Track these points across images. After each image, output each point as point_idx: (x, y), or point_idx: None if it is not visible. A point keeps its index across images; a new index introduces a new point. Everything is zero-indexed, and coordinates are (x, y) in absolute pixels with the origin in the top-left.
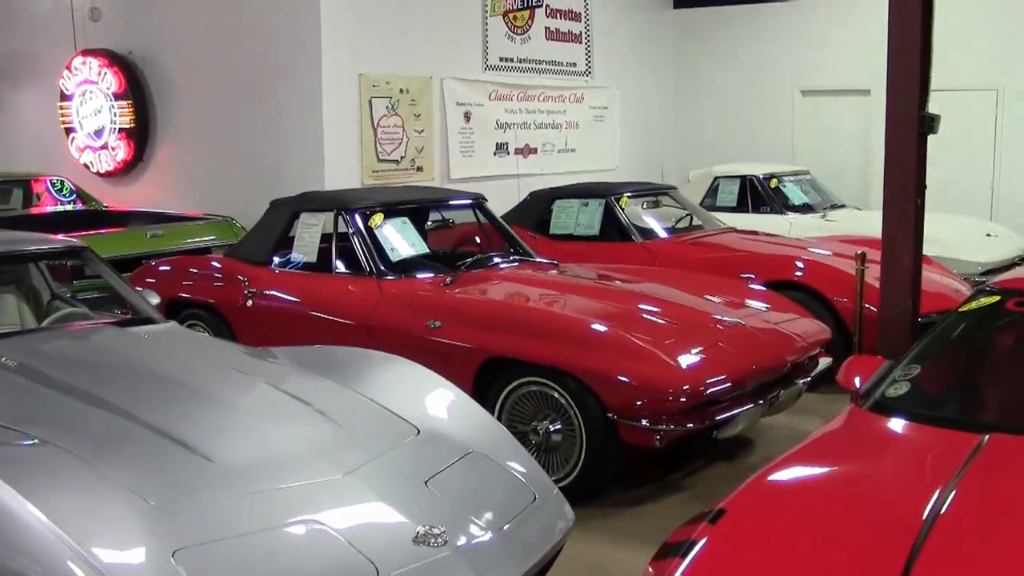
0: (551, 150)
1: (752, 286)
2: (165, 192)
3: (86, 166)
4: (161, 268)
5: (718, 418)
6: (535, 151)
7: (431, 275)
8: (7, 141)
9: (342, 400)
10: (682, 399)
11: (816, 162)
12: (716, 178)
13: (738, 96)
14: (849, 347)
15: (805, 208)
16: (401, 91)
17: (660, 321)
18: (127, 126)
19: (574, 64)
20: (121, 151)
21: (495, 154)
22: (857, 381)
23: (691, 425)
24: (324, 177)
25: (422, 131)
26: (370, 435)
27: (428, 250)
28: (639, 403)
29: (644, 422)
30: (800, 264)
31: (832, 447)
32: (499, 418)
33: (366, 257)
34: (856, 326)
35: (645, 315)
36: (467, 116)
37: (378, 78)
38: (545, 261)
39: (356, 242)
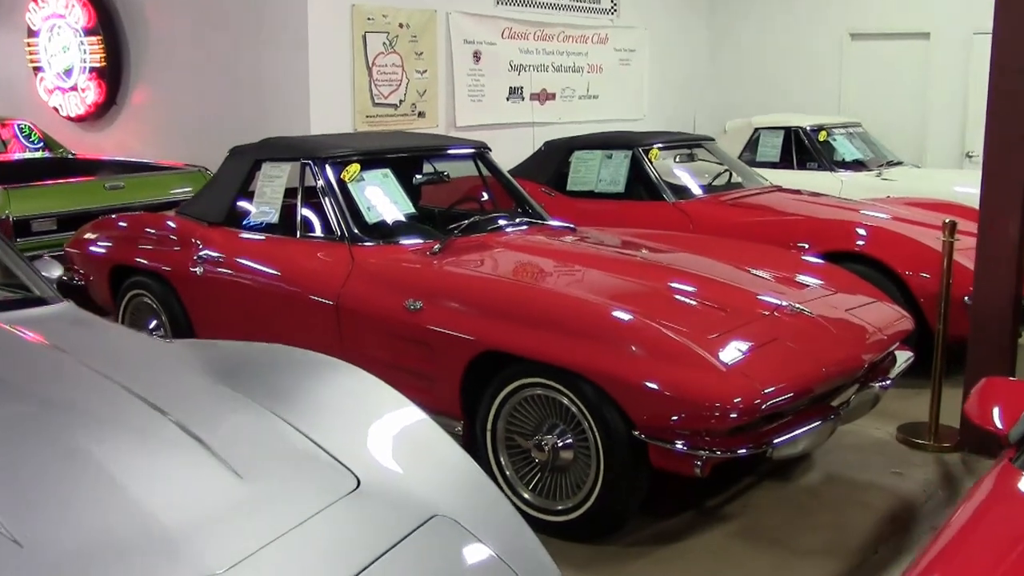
0: (571, 96)
1: (807, 258)
2: (141, 139)
3: (55, 109)
4: (119, 224)
5: (776, 441)
6: (553, 97)
7: (417, 241)
8: None
9: (255, 434)
10: (732, 415)
11: (866, 115)
12: (756, 130)
13: (780, 39)
14: (927, 336)
15: (857, 165)
16: (401, 26)
17: (701, 306)
18: (97, 65)
19: (598, 1)
20: (92, 93)
21: (508, 99)
22: (998, 417)
23: (742, 450)
24: (310, 123)
25: (424, 72)
26: (285, 490)
27: (415, 210)
28: (675, 420)
29: (681, 444)
30: (862, 231)
31: (996, 536)
32: (493, 428)
33: (336, 217)
34: (941, 311)
35: (680, 297)
36: (476, 56)
37: (373, 10)
38: (559, 224)
39: (325, 199)
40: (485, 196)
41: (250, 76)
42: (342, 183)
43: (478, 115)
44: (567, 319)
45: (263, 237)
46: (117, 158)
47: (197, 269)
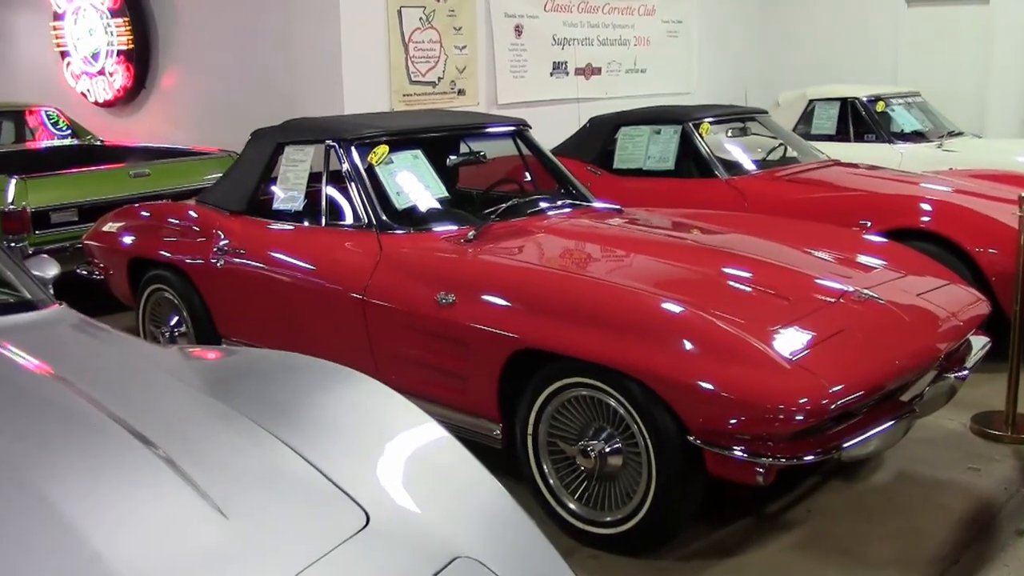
0: (617, 70)
1: (870, 237)
2: (172, 124)
3: (83, 95)
4: (141, 214)
5: (846, 445)
6: (599, 71)
7: (452, 228)
8: (2, 68)
9: (249, 462)
10: (797, 418)
11: (923, 84)
12: (811, 101)
13: (834, 7)
14: (999, 318)
15: (917, 136)
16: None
17: (759, 294)
18: (125, 48)
19: None
20: (120, 77)
21: (552, 75)
22: None
23: (809, 456)
24: (343, 103)
25: (464, 48)
26: (278, 531)
27: (447, 194)
28: (733, 423)
29: (740, 450)
30: (926, 206)
31: None
32: (535, 432)
33: (363, 204)
34: (1018, 291)
35: (736, 284)
36: (518, 30)
37: None
38: (605, 206)
39: (351, 184)
40: (526, 177)
41: (281, 56)
42: (369, 166)
43: (520, 92)
44: (611, 312)
45: (287, 226)
46: (147, 144)
47: (217, 261)
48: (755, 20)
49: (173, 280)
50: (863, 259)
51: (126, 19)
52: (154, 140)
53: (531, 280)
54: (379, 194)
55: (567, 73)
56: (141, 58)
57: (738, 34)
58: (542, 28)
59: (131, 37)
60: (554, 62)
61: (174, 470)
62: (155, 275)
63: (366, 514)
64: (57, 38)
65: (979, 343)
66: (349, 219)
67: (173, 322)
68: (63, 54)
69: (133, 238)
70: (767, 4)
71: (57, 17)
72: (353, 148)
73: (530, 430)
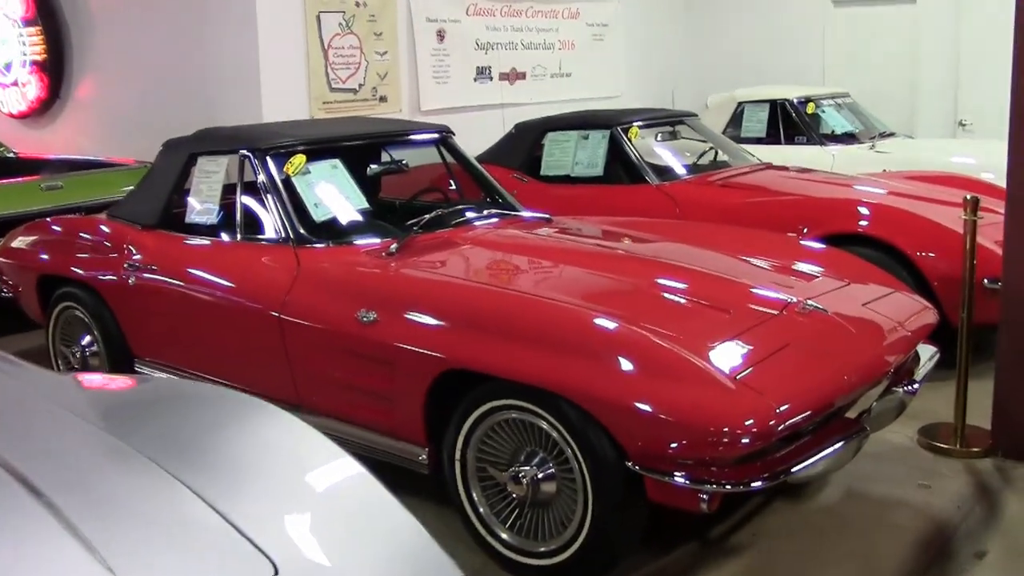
0: (542, 75)
1: (809, 243)
2: (88, 136)
3: None
4: (52, 228)
5: (795, 469)
6: (523, 76)
7: (373, 240)
8: None
9: (146, 509)
10: (743, 441)
11: (852, 85)
12: (740, 103)
13: (760, 8)
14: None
15: (848, 138)
16: (357, 4)
17: (697, 306)
18: (38, 58)
19: None
20: (33, 87)
21: (476, 80)
22: None
23: (756, 483)
24: (262, 111)
25: (385, 53)
26: None
27: (369, 205)
28: (674, 447)
29: (682, 476)
30: (864, 209)
31: None
32: (463, 457)
33: (279, 216)
34: (965, 297)
35: (672, 296)
36: (440, 35)
37: None
38: (533, 215)
39: (266, 195)
40: (451, 186)
41: (198, 63)
42: (285, 177)
43: (444, 98)
44: (541, 329)
45: (201, 241)
46: (63, 156)
47: (129, 278)
48: (682, 22)
49: (84, 298)
50: (803, 267)
51: (39, 28)
52: (70, 152)
53: (456, 295)
54: (296, 206)
55: (491, 78)
56: (55, 68)
57: (665, 36)
58: (465, 32)
59: (44, 47)
60: (478, 67)
61: (60, 521)
62: (65, 292)
63: (274, 565)
64: None
65: (927, 353)
66: (265, 233)
67: (85, 342)
68: None
69: (42, 254)
70: (693, 6)
71: None
72: (268, 158)
73: (458, 455)
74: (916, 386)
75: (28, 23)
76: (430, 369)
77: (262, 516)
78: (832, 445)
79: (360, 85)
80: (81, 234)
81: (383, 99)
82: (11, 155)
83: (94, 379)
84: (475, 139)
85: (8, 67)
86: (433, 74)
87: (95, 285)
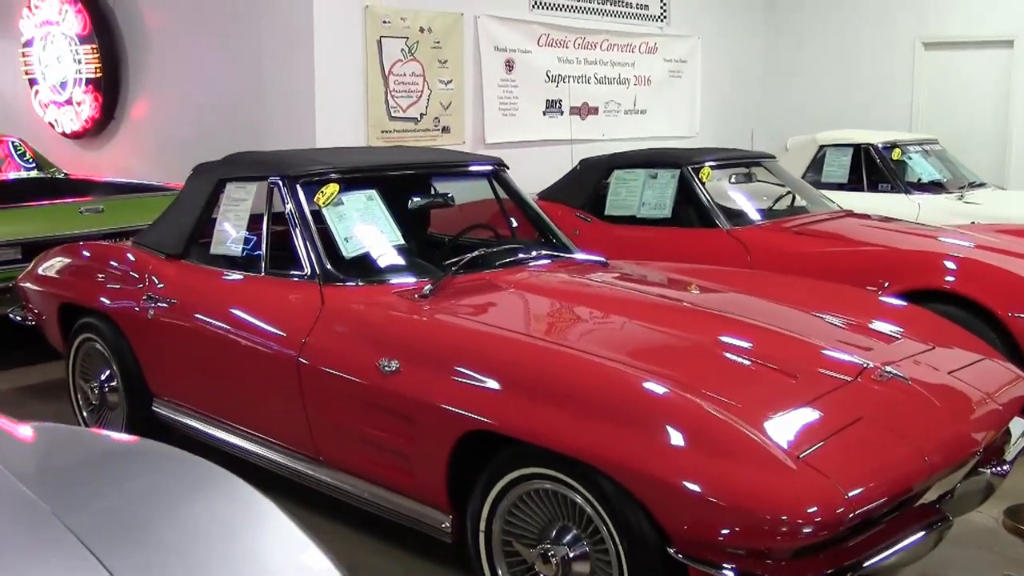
0: (616, 111)
1: (887, 300)
2: (140, 158)
3: (51, 124)
4: (82, 254)
5: (865, 564)
6: (595, 111)
7: (408, 280)
8: None
9: None
10: (805, 530)
11: (941, 131)
12: (822, 147)
13: (846, 49)
14: None
15: (935, 187)
16: (422, 30)
17: (761, 369)
18: (93, 76)
19: (646, 6)
20: (87, 107)
21: (545, 114)
22: None
23: None
24: (315, 138)
25: (449, 82)
26: None
27: (408, 241)
28: (725, 534)
29: (731, 569)
30: (951, 264)
31: None
32: (488, 529)
33: (306, 250)
34: None
35: (734, 356)
36: (509, 65)
37: (390, 12)
38: (587, 258)
39: (294, 227)
40: (504, 223)
41: (253, 87)
42: (315, 207)
43: (510, 131)
44: (580, 390)
45: (224, 273)
46: (113, 179)
47: (147, 310)
48: (763, 61)
49: (103, 329)
50: (882, 326)
51: (94, 46)
52: (121, 174)
53: (485, 346)
54: (325, 240)
55: (561, 112)
56: (110, 87)
57: (745, 75)
58: (535, 63)
59: (99, 65)
60: (547, 100)
61: None
62: (85, 323)
63: None
64: (25, 65)
65: (1019, 428)
66: (292, 268)
67: (104, 377)
68: (31, 82)
69: (64, 281)
70: (775, 44)
71: (26, 44)
72: (298, 186)
73: (483, 526)
74: (1007, 467)
75: (84, 40)
76: (452, 429)
77: None
78: (909, 536)
79: (422, 114)
80: (105, 261)
81: (446, 130)
82: (61, 176)
83: (36, 429)
84: (543, 176)
85: (63, 85)
86: (500, 105)
87: (114, 316)
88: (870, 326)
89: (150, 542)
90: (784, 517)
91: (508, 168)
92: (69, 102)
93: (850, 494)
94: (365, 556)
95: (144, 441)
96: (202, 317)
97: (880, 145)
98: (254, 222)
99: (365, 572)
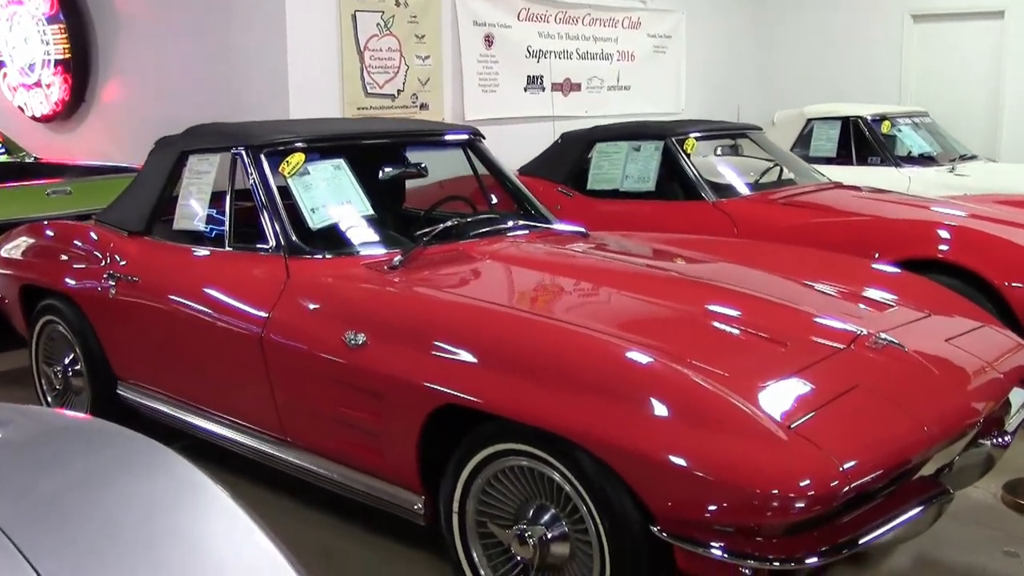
0: (598, 87)
1: (881, 267)
2: (113, 141)
3: (20, 108)
4: (45, 234)
5: (861, 541)
6: (578, 87)
7: (377, 252)
8: None
9: None
10: (797, 505)
11: (931, 104)
12: (809, 121)
13: (833, 22)
14: None
15: (926, 160)
16: (398, 4)
17: (750, 338)
18: (62, 57)
19: None
20: (57, 88)
21: (526, 90)
22: None
23: (812, 559)
24: (290, 117)
25: (427, 58)
26: None
27: (378, 212)
28: (712, 511)
29: (720, 548)
30: (945, 233)
31: None
32: (461, 509)
33: (271, 222)
34: None
35: (722, 325)
36: (488, 40)
37: None
38: (567, 228)
39: (258, 199)
40: (480, 195)
41: (225, 66)
42: (279, 178)
43: (491, 108)
44: (556, 361)
45: (187, 249)
46: (86, 163)
47: (110, 290)
48: (749, 35)
49: (66, 311)
50: (875, 294)
51: (62, 26)
52: (95, 158)
53: (458, 317)
54: (290, 211)
55: (543, 88)
56: (79, 68)
57: (730, 50)
58: (515, 39)
59: (68, 45)
60: (528, 76)
61: None
62: (48, 305)
63: None
64: None
65: (1019, 399)
66: (257, 241)
67: (67, 360)
68: None
69: (26, 262)
70: (761, 18)
71: None
72: (262, 156)
73: (456, 506)
74: (1008, 439)
75: (51, 20)
76: (422, 404)
77: None
78: (907, 511)
79: (399, 91)
80: (67, 241)
81: (424, 106)
82: (31, 160)
83: None
84: (524, 153)
85: (31, 67)
86: (479, 82)
87: (76, 297)
88: (863, 294)
89: (74, 522)
90: (775, 491)
91: (484, 138)
92: (38, 84)
93: (845, 466)
94: (337, 541)
95: (91, 420)
96: (164, 295)
97: (869, 118)
98: (219, 197)
99: (338, 557)
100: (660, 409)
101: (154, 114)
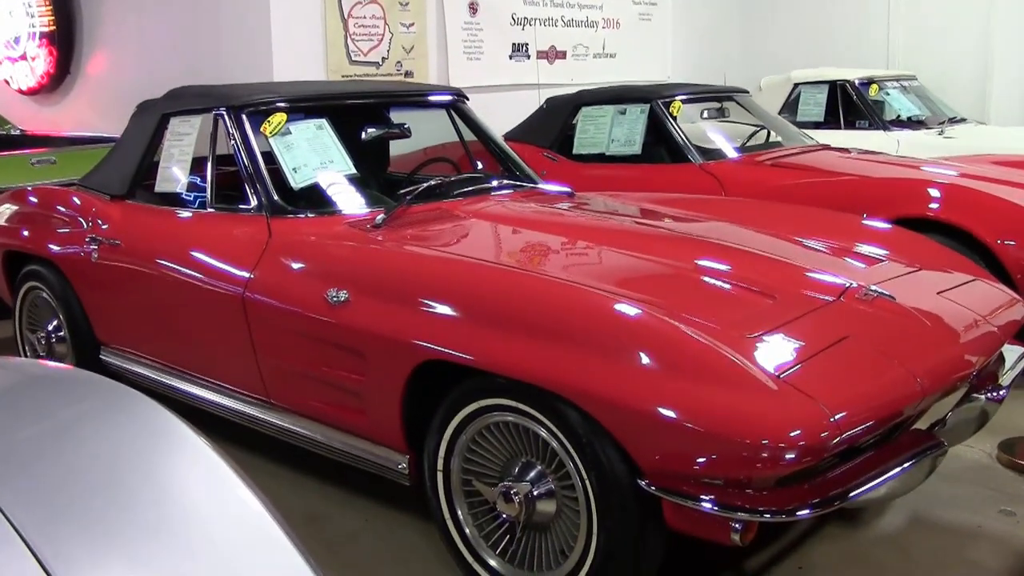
0: (584, 54)
1: (871, 223)
2: (99, 113)
3: (6, 82)
4: (28, 200)
5: (852, 494)
6: (563, 55)
7: (359, 211)
8: None
9: None
10: (788, 456)
11: (919, 67)
12: (796, 85)
13: None
14: None
15: (914, 123)
16: None
17: (738, 291)
18: (47, 29)
19: None
20: (42, 61)
21: (511, 58)
22: None
23: (804, 511)
24: None
25: (411, 25)
26: None
27: (359, 172)
28: (701, 463)
29: (710, 501)
30: (935, 191)
31: None
32: (446, 467)
33: (253, 182)
34: None
35: (709, 279)
36: (472, 7)
37: None
38: (553, 188)
39: (240, 159)
40: (466, 157)
41: (209, 34)
42: (261, 138)
43: (476, 76)
44: (540, 312)
45: (169, 211)
46: (72, 134)
47: (92, 254)
48: (734, 1)
49: (48, 277)
50: (866, 248)
51: None
52: (81, 129)
53: (441, 272)
54: (273, 171)
55: (528, 56)
56: (64, 40)
57: (716, 16)
58: (500, 5)
59: (52, 17)
60: (514, 44)
61: None
62: (31, 271)
63: None
64: None
65: (1013, 355)
66: (239, 202)
67: (51, 327)
68: None
69: (8, 228)
70: None
71: None
72: (243, 116)
73: (440, 464)
74: (1002, 392)
75: None
76: (405, 360)
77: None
78: (899, 464)
79: (383, 58)
80: (50, 206)
81: (408, 74)
82: (16, 132)
83: None
84: (510, 121)
85: (16, 40)
86: (464, 49)
87: (58, 262)
88: (853, 249)
89: (47, 469)
90: (765, 442)
91: (468, 99)
92: (24, 57)
93: (836, 417)
94: (321, 504)
95: (72, 369)
96: (146, 258)
97: (856, 81)
98: (202, 160)
99: (323, 522)
100: (647, 361)
101: (139, 85)
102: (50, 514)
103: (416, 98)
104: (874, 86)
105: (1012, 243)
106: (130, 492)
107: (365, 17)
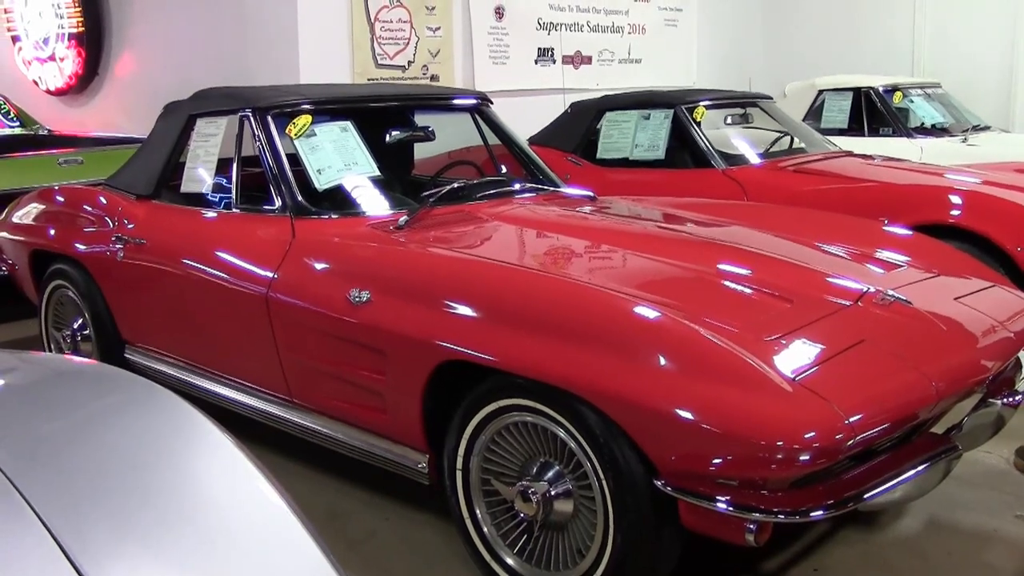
0: (609, 60)
1: (892, 229)
2: (127, 114)
3: (35, 82)
4: (55, 199)
5: (867, 496)
6: (589, 60)
7: (382, 212)
8: None
9: None
10: (803, 457)
11: (944, 75)
12: (820, 92)
13: None
14: None
15: (938, 130)
16: None
17: (758, 295)
18: (76, 31)
19: None
20: (71, 62)
21: (537, 62)
22: None
23: (818, 512)
24: None
25: (437, 29)
26: None
27: (383, 174)
28: (717, 464)
29: (725, 501)
30: (956, 198)
31: None
32: (465, 466)
33: (277, 183)
34: None
35: (729, 283)
36: (499, 12)
37: None
38: (575, 192)
39: (265, 160)
40: (489, 160)
41: (236, 37)
42: (286, 139)
43: (501, 80)
44: (560, 315)
45: (194, 211)
46: (99, 134)
47: (117, 253)
48: (760, 6)
49: (74, 275)
50: (885, 255)
51: (75, 0)
52: (108, 130)
53: (462, 273)
54: (297, 174)
55: (553, 61)
56: (93, 42)
57: (742, 22)
58: (525, 10)
59: (81, 19)
60: (539, 48)
61: None
62: (57, 270)
63: None
64: (8, 22)
65: None
66: (263, 203)
67: (76, 325)
68: (14, 39)
69: (35, 227)
70: None
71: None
72: (269, 118)
73: (459, 464)
74: (1019, 398)
75: None
76: (426, 360)
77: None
78: (914, 467)
79: (409, 62)
80: (77, 205)
81: (434, 78)
82: (44, 132)
83: None
84: (535, 125)
85: (45, 41)
86: (490, 54)
87: (84, 261)
88: (873, 254)
89: (71, 462)
90: (780, 443)
91: (492, 103)
92: (52, 58)
93: (851, 419)
94: (342, 502)
95: (96, 364)
96: (171, 257)
97: (881, 88)
98: (227, 161)
99: (344, 520)
100: (664, 362)
101: (166, 86)
102: (75, 506)
103: (440, 101)
104: (898, 93)
105: None
106: (153, 485)
107: (391, 21)
